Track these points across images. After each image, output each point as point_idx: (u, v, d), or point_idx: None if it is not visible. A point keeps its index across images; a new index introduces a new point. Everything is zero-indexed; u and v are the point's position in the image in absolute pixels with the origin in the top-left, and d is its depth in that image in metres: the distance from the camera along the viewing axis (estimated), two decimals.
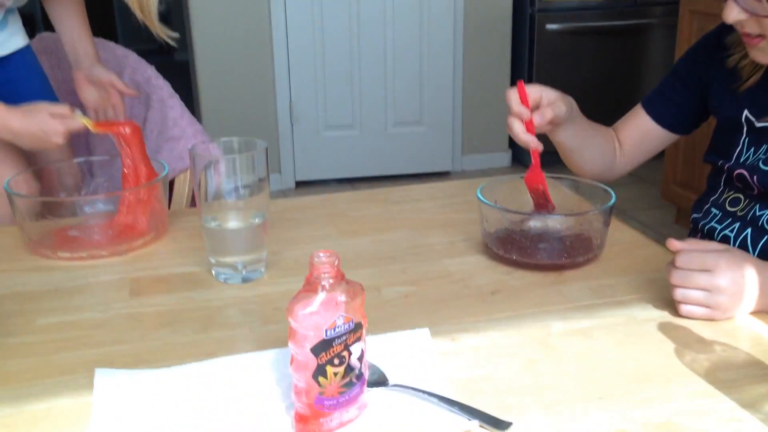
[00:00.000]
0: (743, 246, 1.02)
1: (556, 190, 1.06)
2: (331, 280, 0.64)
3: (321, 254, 0.65)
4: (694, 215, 1.13)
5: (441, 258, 1.01)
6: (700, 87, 1.15)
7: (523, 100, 1.01)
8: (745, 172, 1.03)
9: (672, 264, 0.83)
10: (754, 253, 1.01)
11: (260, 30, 3.53)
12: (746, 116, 1.05)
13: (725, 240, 1.04)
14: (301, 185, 3.79)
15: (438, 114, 3.81)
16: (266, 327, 0.84)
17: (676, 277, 0.82)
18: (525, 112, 1.01)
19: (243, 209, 0.96)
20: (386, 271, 0.97)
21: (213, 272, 0.97)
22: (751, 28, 0.95)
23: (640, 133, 1.21)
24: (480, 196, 0.98)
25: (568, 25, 3.71)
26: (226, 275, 0.95)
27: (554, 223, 0.95)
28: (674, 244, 0.83)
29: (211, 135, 3.63)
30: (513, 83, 4.07)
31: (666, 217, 3.23)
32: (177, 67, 5.33)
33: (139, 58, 1.61)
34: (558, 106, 1.04)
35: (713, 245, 0.84)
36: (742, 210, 1.04)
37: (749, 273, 0.81)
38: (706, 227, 1.08)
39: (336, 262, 0.64)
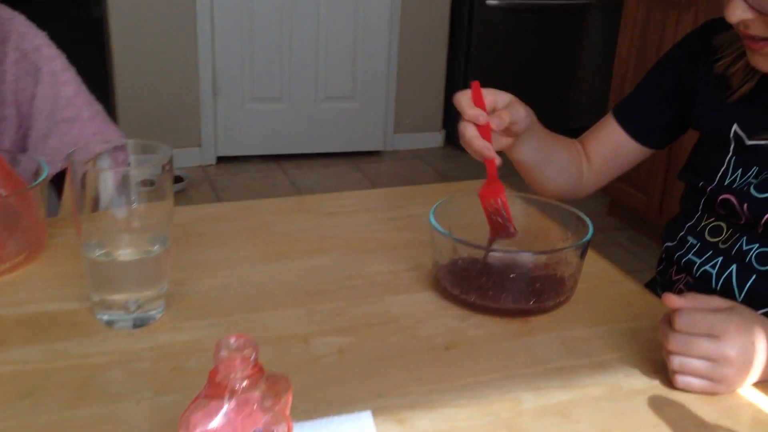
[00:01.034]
0: (727, 285, 0.88)
1: (520, 212, 0.89)
2: (244, 382, 0.46)
3: (231, 341, 0.47)
4: (668, 243, 0.99)
5: (383, 294, 0.84)
6: (680, 95, 1.01)
7: (478, 102, 0.84)
8: (733, 198, 0.89)
9: (668, 324, 0.68)
10: (739, 294, 0.87)
11: None
12: (735, 131, 0.91)
13: (706, 277, 0.90)
14: (223, 161, 3.55)
15: (371, 90, 3.62)
16: (159, 399, 0.65)
17: (674, 343, 0.67)
18: (481, 114, 0.84)
19: (138, 232, 0.76)
20: (317, 314, 0.79)
21: (95, 313, 0.77)
22: (757, 29, 0.80)
23: (611, 147, 1.06)
24: (433, 221, 0.81)
25: (509, 1, 3.56)
26: (111, 317, 0.76)
27: (522, 260, 0.79)
28: (673, 300, 0.68)
29: (123, 102, 3.37)
30: (450, 60, 3.93)
31: (598, 207, 3.15)
32: (90, 23, 4.93)
33: (28, 22, 1.35)
34: (516, 109, 0.88)
35: (716, 301, 0.69)
36: (725, 242, 0.91)
37: (759, 339, 0.67)
38: (683, 260, 0.94)
39: (253, 355, 0.46)
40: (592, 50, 3.78)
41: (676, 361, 0.67)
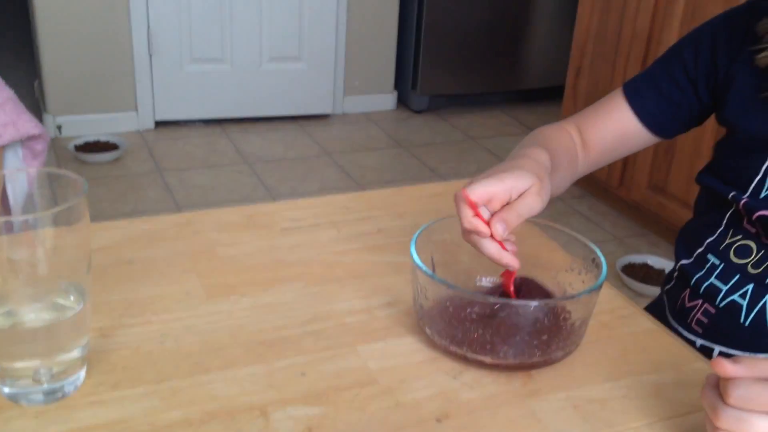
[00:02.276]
0: (759, 319, 0.77)
1: (519, 234, 0.75)
2: None
3: None
4: (683, 261, 0.87)
5: (356, 342, 0.69)
6: (710, 81, 0.85)
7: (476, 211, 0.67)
8: None
9: (716, 392, 0.55)
10: None
11: None
12: None
13: (733, 309, 0.79)
14: (162, 126, 3.32)
15: (319, 50, 3.42)
16: None
17: (726, 419, 0.54)
18: (483, 229, 0.66)
19: (46, 282, 0.60)
20: (277, 373, 0.65)
21: None
22: None
23: (616, 134, 0.91)
24: (415, 256, 0.67)
25: None
26: (16, 390, 0.60)
27: (528, 309, 0.65)
28: (726, 368, 0.55)
29: (49, 64, 3.10)
30: (402, 17, 3.74)
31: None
32: None
33: None
34: (529, 205, 0.68)
35: None
36: (756, 266, 0.78)
37: None
38: (704, 285, 0.82)
39: None
40: (549, 10, 3.64)
41: None
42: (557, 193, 0.88)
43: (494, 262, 0.67)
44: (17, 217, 0.54)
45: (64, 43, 3.03)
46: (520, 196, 0.68)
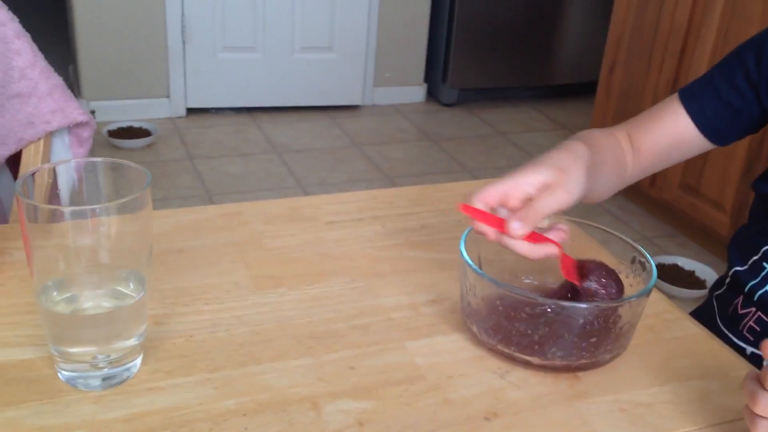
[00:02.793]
0: None
1: (570, 236, 0.76)
2: None
3: None
4: (737, 268, 0.86)
5: (403, 338, 0.70)
6: None
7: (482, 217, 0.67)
8: None
9: (756, 381, 0.55)
10: None
11: None
12: None
13: None
14: (193, 113, 3.35)
15: (350, 41, 3.42)
16: None
17: (765, 405, 0.54)
18: (488, 231, 0.67)
19: (108, 270, 0.61)
20: (326, 366, 0.66)
21: (56, 368, 0.62)
22: None
23: (671, 140, 0.89)
24: (464, 253, 0.68)
25: None
26: (75, 375, 0.61)
27: (578, 311, 0.65)
28: None
29: (85, 50, 3.13)
30: (433, 9, 3.73)
31: None
32: None
33: None
34: (552, 199, 0.66)
35: None
36: None
37: None
38: (759, 293, 0.82)
39: None
40: (583, 4, 3.61)
41: (763, 427, 0.55)
42: (604, 197, 0.88)
43: (531, 260, 0.67)
44: (85, 207, 0.56)
45: (99, 29, 3.06)
46: (546, 190, 0.67)
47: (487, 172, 3.06)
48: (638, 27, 2.61)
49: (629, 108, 2.67)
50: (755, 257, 0.84)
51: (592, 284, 0.67)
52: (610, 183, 0.87)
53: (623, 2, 2.67)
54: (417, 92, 3.68)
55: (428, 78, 3.70)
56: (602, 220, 2.70)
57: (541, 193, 0.67)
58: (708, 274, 2.28)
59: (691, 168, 2.42)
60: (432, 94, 3.73)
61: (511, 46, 3.58)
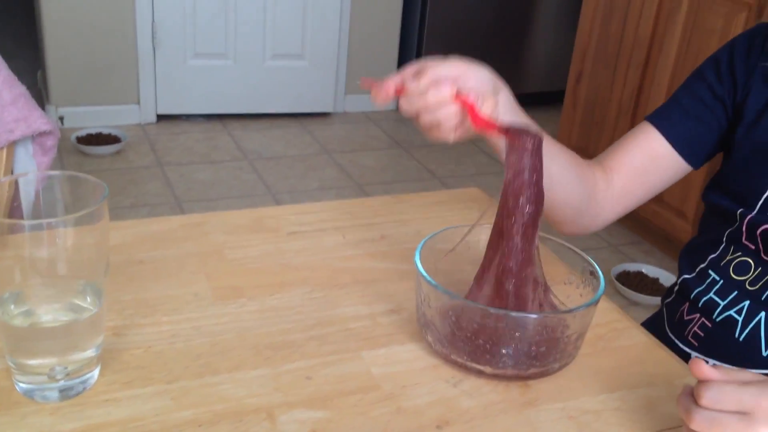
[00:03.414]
0: (753, 335, 0.79)
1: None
2: None
3: None
4: (685, 276, 0.89)
5: (360, 348, 0.72)
6: (733, 99, 0.86)
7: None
8: None
9: (690, 397, 0.58)
10: (766, 348, 0.78)
11: None
12: None
13: (729, 324, 0.81)
14: (164, 119, 3.34)
15: (321, 49, 3.43)
16: None
17: (699, 421, 0.57)
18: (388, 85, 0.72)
19: (64, 282, 0.62)
20: (283, 376, 0.67)
21: (13, 380, 0.63)
22: None
23: (645, 157, 0.88)
24: (419, 265, 0.69)
25: None
26: (32, 388, 0.62)
27: (527, 321, 0.67)
28: (702, 368, 0.58)
29: (53, 55, 3.10)
30: (404, 18, 3.76)
31: None
32: None
33: None
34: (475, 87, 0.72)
35: (748, 375, 0.60)
36: (753, 283, 0.81)
37: None
38: (703, 299, 0.85)
39: None
40: (551, 15, 3.67)
41: None
42: (571, 211, 0.88)
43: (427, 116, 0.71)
44: (42, 221, 0.56)
45: (68, 35, 3.04)
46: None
47: (456, 180, 3.09)
48: (603, 39, 2.66)
49: (596, 117, 2.72)
50: (702, 265, 0.87)
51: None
52: (567, 173, 0.84)
53: (588, 15, 2.72)
54: None
55: None
56: None
57: None
58: (671, 281, 2.32)
59: None
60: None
61: (481, 56, 3.59)
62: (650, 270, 2.38)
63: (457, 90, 0.71)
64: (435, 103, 0.70)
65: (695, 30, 2.27)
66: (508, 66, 3.69)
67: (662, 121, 0.89)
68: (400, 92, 0.71)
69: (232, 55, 3.32)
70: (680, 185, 2.30)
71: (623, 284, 2.30)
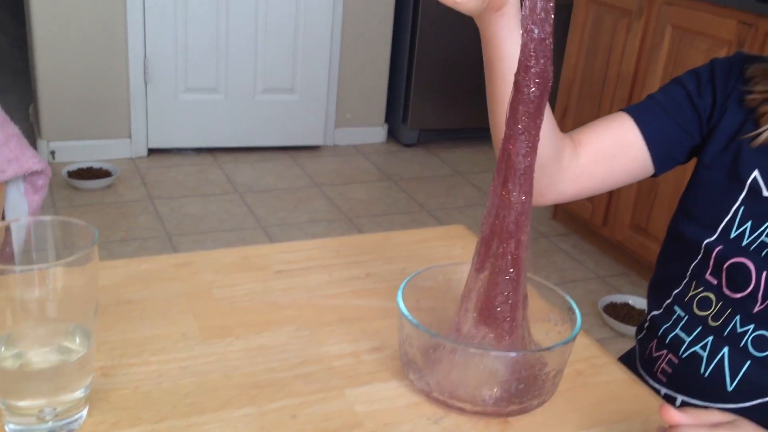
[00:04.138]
0: (718, 370, 0.81)
1: None
2: None
3: None
4: (653, 312, 0.91)
5: (344, 385, 0.73)
6: (707, 118, 0.88)
7: None
8: (750, 264, 0.80)
9: None
10: (731, 382, 0.81)
11: None
12: (754, 178, 0.82)
13: (694, 360, 0.83)
14: (155, 153, 3.36)
15: (311, 83, 3.48)
16: None
17: None
18: None
19: (54, 324, 0.63)
20: (269, 415, 0.68)
21: (3, 421, 0.64)
22: None
23: (616, 141, 0.88)
24: (401, 305, 0.71)
25: None
26: (21, 429, 0.63)
27: (505, 360, 0.69)
28: (672, 416, 0.60)
29: (46, 88, 3.13)
30: (394, 52, 3.81)
31: (542, 211, 3.10)
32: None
33: None
34: None
35: (717, 416, 0.62)
36: (715, 318, 0.83)
37: None
38: (670, 336, 0.87)
39: None
40: None
41: None
42: (547, 145, 0.83)
43: None
44: (33, 266, 0.58)
45: (61, 70, 3.08)
46: None
47: (446, 212, 3.11)
48: (588, 75, 2.71)
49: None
50: (668, 301, 0.89)
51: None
52: (546, 131, 0.81)
53: (573, 51, 2.78)
54: (378, 133, 3.75)
55: (389, 119, 3.77)
56: (556, 259, 2.77)
57: None
58: None
59: (640, 209, 2.50)
60: (393, 135, 3.79)
61: (470, 89, 3.67)
62: (637, 302, 2.40)
63: None
64: None
65: (677, 66, 2.32)
66: None
67: (640, 115, 0.88)
68: None
69: (223, 90, 3.36)
70: (665, 218, 2.35)
71: (610, 316, 2.32)
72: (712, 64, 0.89)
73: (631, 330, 2.26)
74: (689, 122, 0.88)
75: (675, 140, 0.89)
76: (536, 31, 0.65)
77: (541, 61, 0.66)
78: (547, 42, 0.66)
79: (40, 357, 0.63)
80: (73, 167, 3.05)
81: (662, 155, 0.89)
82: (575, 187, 0.89)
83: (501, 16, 0.75)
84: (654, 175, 0.91)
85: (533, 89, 0.66)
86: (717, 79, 0.87)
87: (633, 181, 0.91)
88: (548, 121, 0.82)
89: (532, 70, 0.66)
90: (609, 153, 0.88)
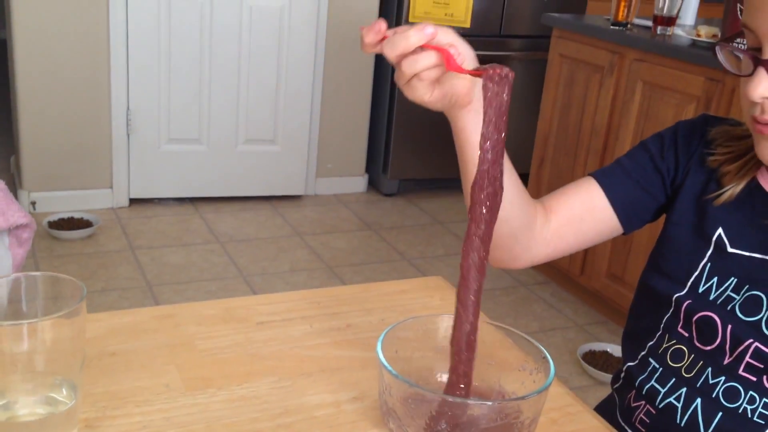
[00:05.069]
0: (693, 420, 0.84)
1: (482, 334, 0.82)
2: None
3: None
4: (629, 364, 0.94)
5: None
6: (671, 179, 0.92)
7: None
8: (716, 317, 0.84)
9: None
10: (706, 431, 0.83)
11: (96, 25, 3.08)
12: (719, 235, 0.86)
13: (670, 410, 0.86)
14: (136, 203, 3.38)
15: (293, 133, 3.53)
16: None
17: None
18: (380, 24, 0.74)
19: (42, 377, 0.65)
20: None
21: None
22: None
23: (584, 207, 0.93)
24: (381, 355, 0.73)
25: None
26: None
27: (482, 409, 0.71)
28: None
29: (28, 138, 3.15)
30: (374, 104, 3.89)
31: None
32: None
33: None
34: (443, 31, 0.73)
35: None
36: (687, 370, 0.86)
37: None
38: (646, 387, 0.89)
39: None
40: (515, 101, 3.81)
41: None
42: (517, 221, 0.88)
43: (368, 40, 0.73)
44: (23, 322, 0.60)
45: (43, 120, 3.10)
46: None
47: (426, 261, 3.14)
48: (563, 127, 2.78)
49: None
50: (642, 353, 0.92)
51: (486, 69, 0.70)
52: (515, 200, 0.87)
53: (549, 104, 2.86)
54: (358, 182, 3.79)
55: (369, 169, 3.82)
56: (536, 307, 2.80)
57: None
58: None
59: (616, 258, 2.55)
60: (373, 185, 3.84)
61: (449, 139, 3.72)
62: (615, 349, 2.43)
63: (437, 41, 0.73)
64: (416, 41, 0.71)
65: (648, 119, 2.40)
66: None
67: (605, 179, 0.93)
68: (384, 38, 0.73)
69: (205, 140, 3.40)
70: (640, 267, 2.39)
71: (589, 364, 2.35)
72: (676, 127, 0.94)
73: (610, 378, 2.28)
74: (652, 184, 0.93)
75: (639, 202, 0.94)
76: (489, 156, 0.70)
77: (490, 188, 0.71)
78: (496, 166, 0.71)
79: (27, 409, 0.64)
80: (54, 217, 3.05)
81: (628, 216, 0.94)
82: (547, 250, 0.94)
83: (468, 111, 0.80)
84: (624, 234, 0.96)
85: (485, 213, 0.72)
86: (679, 142, 0.92)
87: (603, 240, 0.96)
88: (519, 194, 0.88)
89: (482, 194, 0.71)
90: (578, 216, 0.94)
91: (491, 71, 0.69)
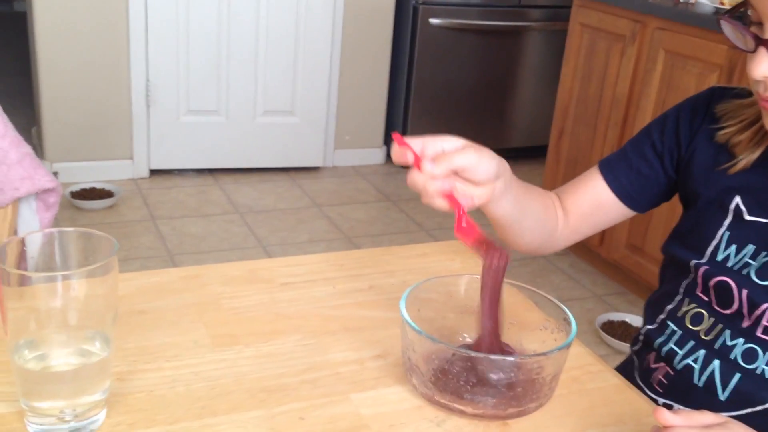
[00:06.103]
0: (710, 381, 0.85)
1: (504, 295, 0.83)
2: None
3: None
4: (648, 326, 0.95)
5: (349, 390, 0.76)
6: (676, 160, 0.95)
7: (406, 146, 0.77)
8: (731, 282, 0.85)
9: None
10: (723, 392, 0.84)
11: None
12: (737, 204, 0.87)
13: (688, 372, 0.87)
14: (156, 174, 3.40)
15: (311, 105, 3.53)
16: None
17: None
18: (410, 157, 0.77)
19: (75, 330, 0.67)
20: (278, 417, 0.71)
21: (25, 421, 0.67)
22: None
23: (592, 203, 1.00)
24: (404, 313, 0.75)
25: (452, 21, 3.54)
26: (43, 429, 0.66)
27: (504, 364, 0.73)
28: (666, 418, 0.63)
29: (49, 110, 3.18)
30: (392, 76, 3.88)
31: None
32: (12, 17, 4.66)
33: None
34: (461, 153, 0.77)
35: (709, 417, 0.65)
36: (707, 333, 0.87)
37: None
38: (664, 349, 0.90)
39: None
40: (534, 72, 3.79)
41: None
42: (536, 242, 0.97)
43: (426, 198, 0.77)
44: (57, 274, 0.62)
45: (64, 92, 3.13)
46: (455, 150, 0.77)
47: (443, 232, 3.15)
48: (583, 98, 2.76)
49: (577, 171, 2.79)
50: (662, 316, 0.93)
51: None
52: (542, 224, 0.96)
53: (569, 75, 2.83)
54: (376, 154, 3.79)
55: (387, 140, 3.82)
56: (554, 278, 2.80)
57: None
58: None
59: (636, 229, 2.54)
60: (391, 156, 3.83)
61: (467, 111, 3.74)
62: (634, 320, 2.43)
63: (454, 190, 0.78)
64: (434, 192, 0.77)
65: (670, 90, 2.37)
66: (494, 123, 3.81)
67: (608, 173, 0.99)
68: (416, 164, 0.76)
69: (224, 112, 3.41)
70: (660, 237, 2.39)
71: (607, 333, 2.35)
72: (680, 106, 0.97)
73: (628, 347, 2.29)
74: (653, 171, 0.97)
75: (645, 190, 0.98)
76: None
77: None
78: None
79: (61, 359, 0.66)
80: (76, 188, 3.09)
81: (637, 203, 0.99)
82: (568, 242, 1.03)
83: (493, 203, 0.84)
84: (641, 213, 1.02)
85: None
86: (681, 120, 0.95)
87: (621, 221, 1.03)
88: (540, 217, 0.96)
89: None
90: (588, 213, 1.01)
91: (488, 261, 0.75)
